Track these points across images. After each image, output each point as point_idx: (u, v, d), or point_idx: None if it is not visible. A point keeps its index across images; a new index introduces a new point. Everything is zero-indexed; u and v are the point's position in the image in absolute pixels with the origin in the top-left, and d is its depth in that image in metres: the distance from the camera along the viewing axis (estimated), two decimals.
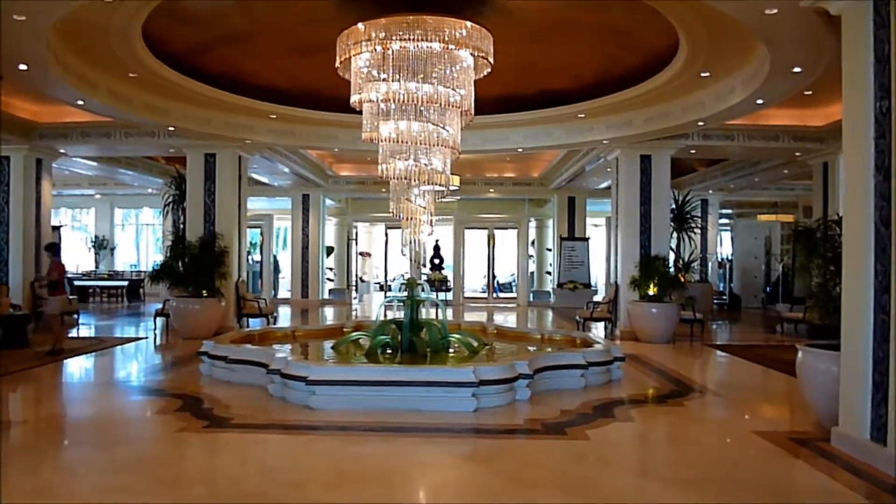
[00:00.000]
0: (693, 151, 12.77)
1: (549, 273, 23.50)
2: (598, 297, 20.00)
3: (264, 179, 18.44)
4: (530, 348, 8.82)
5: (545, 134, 12.28)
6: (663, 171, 12.22)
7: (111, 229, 23.87)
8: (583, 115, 11.36)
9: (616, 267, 12.58)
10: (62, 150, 13.10)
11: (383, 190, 20.19)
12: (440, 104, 7.48)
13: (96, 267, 22.85)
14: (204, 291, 11.58)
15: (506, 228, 23.07)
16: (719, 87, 9.18)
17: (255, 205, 22.34)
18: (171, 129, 10.95)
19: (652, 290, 11.54)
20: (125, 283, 20.83)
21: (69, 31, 7.28)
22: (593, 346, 7.87)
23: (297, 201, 20.08)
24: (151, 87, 9.56)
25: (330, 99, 11.03)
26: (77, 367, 8.90)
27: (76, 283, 20.51)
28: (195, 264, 11.63)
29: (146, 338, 11.77)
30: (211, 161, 12.40)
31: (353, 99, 7.73)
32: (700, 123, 10.33)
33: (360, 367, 6.36)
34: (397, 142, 7.74)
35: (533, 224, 23.34)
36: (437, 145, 7.78)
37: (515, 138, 12.55)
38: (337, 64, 7.55)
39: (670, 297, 11.62)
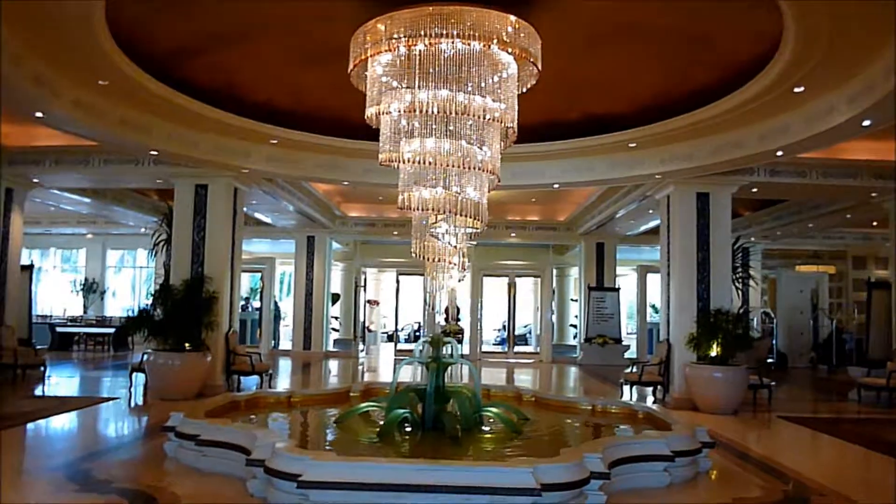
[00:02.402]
0: (755, 190, 11.10)
1: (573, 326, 21.73)
2: (629, 354, 18.24)
3: (266, 219, 16.85)
4: (600, 427, 7.03)
5: (586, 167, 10.63)
6: (723, 211, 10.57)
7: (102, 271, 22.26)
8: (634, 145, 9.74)
9: (668, 322, 10.81)
10: (35, 180, 11.55)
11: (395, 233, 18.78)
12: (478, 117, 5.91)
13: (84, 312, 21.18)
14: (186, 344, 9.86)
15: (526, 276, 21.32)
16: (813, 106, 7.54)
17: (257, 247, 20.83)
18: (153, 152, 9.37)
19: (715, 351, 9.76)
20: (112, 330, 19.01)
21: (12, 14, 5.74)
22: (673, 429, 6.06)
23: (302, 243, 18.44)
24: (128, 98, 8.00)
25: (340, 122, 9.49)
26: (12, 440, 7.09)
27: (58, 329, 18.83)
28: (177, 312, 9.92)
29: (118, 398, 9.99)
30: (202, 193, 10.80)
31: (369, 112, 6.16)
32: (778, 154, 8.68)
33: (373, 464, 4.58)
34: (423, 164, 6.13)
35: (553, 272, 21.61)
36: (473, 169, 6.17)
37: (551, 173, 10.90)
38: (350, 68, 6.02)
39: (732, 359, 9.83)
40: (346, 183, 11.73)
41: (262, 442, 5.05)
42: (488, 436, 6.40)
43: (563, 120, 9.59)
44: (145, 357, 10.02)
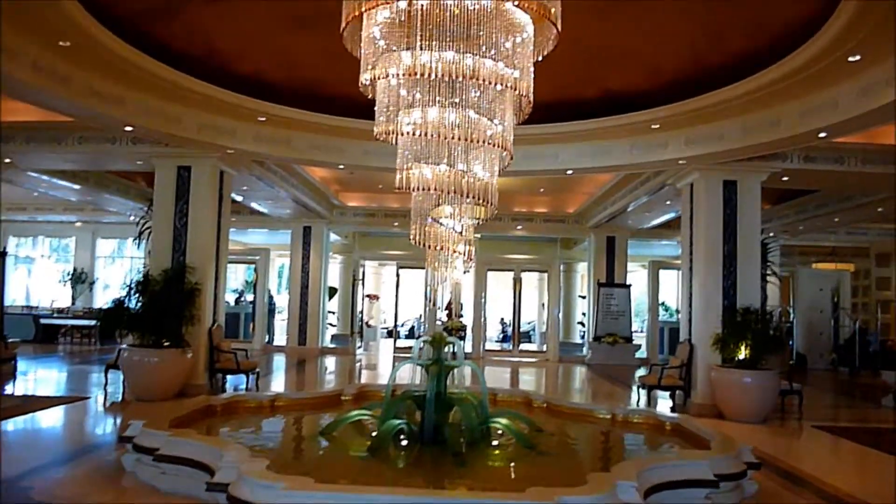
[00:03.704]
0: (785, 178, 10.22)
1: (581, 324, 20.86)
2: (638, 354, 17.40)
3: (261, 208, 15.97)
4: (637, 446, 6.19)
5: (604, 151, 9.77)
6: (752, 200, 9.69)
7: (92, 261, 21.41)
8: (657, 126, 8.87)
9: (689, 321, 9.95)
10: (7, 160, 10.70)
11: (395, 224, 17.91)
12: (488, 83, 5.02)
13: (72, 303, 20.36)
14: (165, 340, 9.03)
15: (532, 271, 20.46)
16: (868, 77, 6.63)
17: (252, 238, 20.03)
18: (128, 128, 8.51)
19: (744, 353, 8.90)
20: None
21: None
22: (713, 447, 5.21)
23: (298, 234, 17.54)
24: (96, 64, 7.14)
25: (335, 98, 8.67)
26: None
27: (42, 321, 18.02)
28: (155, 304, 9.09)
29: (88, 398, 9.16)
30: (185, 175, 9.93)
31: (363, 78, 5.23)
32: (821, 135, 7.80)
33: (357, 496, 3.70)
34: (424, 138, 5.24)
35: (560, 267, 20.73)
36: (482, 143, 5.29)
37: (565, 157, 10.04)
38: (342, 27, 5.12)
39: (762, 363, 8.98)
40: (342, 167, 10.86)
41: (227, 461, 4.22)
42: (497, 451, 5.55)
43: (578, 97, 8.76)
44: (121, 353, 9.19)
